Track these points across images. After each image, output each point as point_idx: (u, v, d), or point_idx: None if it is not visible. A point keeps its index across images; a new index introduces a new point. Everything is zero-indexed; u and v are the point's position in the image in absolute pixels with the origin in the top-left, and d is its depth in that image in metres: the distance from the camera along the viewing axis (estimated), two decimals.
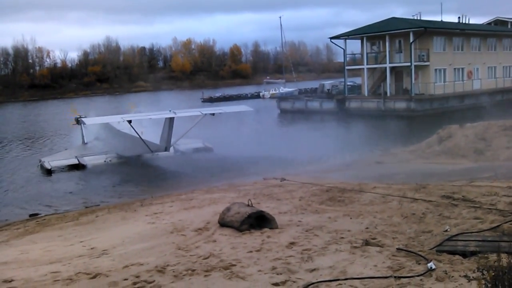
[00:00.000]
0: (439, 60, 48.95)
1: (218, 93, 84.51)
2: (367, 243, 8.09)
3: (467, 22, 58.61)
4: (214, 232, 9.67)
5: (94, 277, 7.45)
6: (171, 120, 23.52)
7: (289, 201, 12.78)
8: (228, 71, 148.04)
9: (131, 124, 23.01)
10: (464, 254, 7.10)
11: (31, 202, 19.08)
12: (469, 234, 8.11)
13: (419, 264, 6.85)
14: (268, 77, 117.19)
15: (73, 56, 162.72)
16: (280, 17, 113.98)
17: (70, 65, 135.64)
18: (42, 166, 25.45)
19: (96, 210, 15.45)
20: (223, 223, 9.99)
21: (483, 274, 5.11)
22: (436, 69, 48.74)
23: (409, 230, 9.06)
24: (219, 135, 31.12)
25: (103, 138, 28.96)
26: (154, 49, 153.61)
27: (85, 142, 29.18)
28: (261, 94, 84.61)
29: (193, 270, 7.35)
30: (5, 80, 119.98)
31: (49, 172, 24.54)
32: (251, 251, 8.13)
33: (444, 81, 49.16)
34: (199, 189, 17.21)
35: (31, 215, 16.34)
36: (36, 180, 23.67)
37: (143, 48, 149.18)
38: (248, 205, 10.28)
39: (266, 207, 11.63)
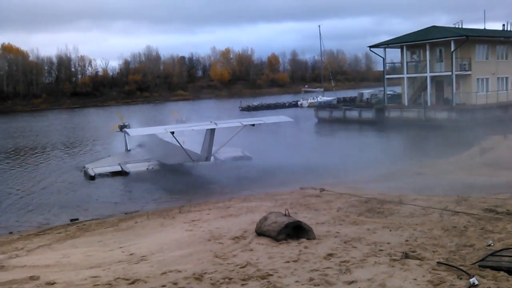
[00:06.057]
0: (482, 69, 47.71)
1: (256, 102, 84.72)
2: (406, 256, 7.94)
3: None
4: (251, 241, 9.67)
5: (132, 282, 7.56)
6: (212, 131, 23.65)
7: (327, 212, 12.69)
8: (265, 80, 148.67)
9: (174, 135, 23.28)
10: (510, 271, 6.86)
11: (73, 207, 19.47)
12: None
13: (461, 279, 6.66)
14: (306, 86, 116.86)
15: (114, 65, 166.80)
16: (319, 26, 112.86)
17: (111, 73, 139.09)
18: (85, 173, 26.05)
19: (135, 216, 15.67)
20: (260, 232, 9.98)
21: None
22: (478, 79, 47.53)
23: (450, 244, 8.85)
24: (258, 144, 31.19)
25: (146, 146, 29.50)
26: (194, 58, 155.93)
27: (128, 149, 29.82)
28: (299, 103, 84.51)
29: (230, 279, 7.37)
30: (49, 88, 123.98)
31: (92, 178, 25.08)
32: (288, 261, 8.09)
33: (487, 91, 47.84)
34: (236, 197, 17.29)
35: (72, 220, 16.70)
36: (79, 186, 24.16)
37: (183, 58, 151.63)
38: (285, 215, 10.25)
39: (303, 217, 11.58)
